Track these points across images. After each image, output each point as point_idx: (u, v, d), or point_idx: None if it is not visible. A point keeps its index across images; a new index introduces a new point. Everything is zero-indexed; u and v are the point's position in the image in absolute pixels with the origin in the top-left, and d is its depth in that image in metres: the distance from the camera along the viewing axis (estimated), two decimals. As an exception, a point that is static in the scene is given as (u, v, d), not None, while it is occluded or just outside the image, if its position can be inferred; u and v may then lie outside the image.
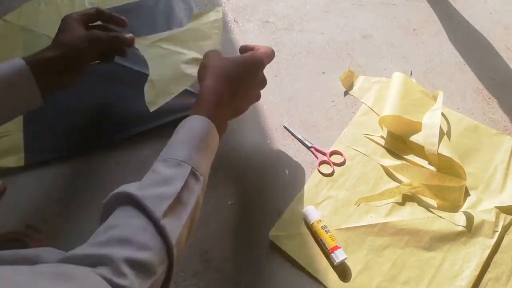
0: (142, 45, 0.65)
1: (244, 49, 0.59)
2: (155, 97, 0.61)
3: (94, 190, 0.61)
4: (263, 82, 0.59)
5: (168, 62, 0.64)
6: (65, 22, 0.59)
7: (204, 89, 0.51)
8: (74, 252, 0.36)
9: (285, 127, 0.67)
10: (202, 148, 0.46)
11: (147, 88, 0.62)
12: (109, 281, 0.33)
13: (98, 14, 0.63)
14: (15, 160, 0.63)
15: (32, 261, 0.45)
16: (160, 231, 0.38)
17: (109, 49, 0.63)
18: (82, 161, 0.64)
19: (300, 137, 0.66)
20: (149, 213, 0.39)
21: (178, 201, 0.41)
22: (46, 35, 0.80)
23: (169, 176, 0.42)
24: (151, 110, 0.60)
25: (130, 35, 0.63)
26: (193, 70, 0.61)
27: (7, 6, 0.86)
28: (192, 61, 0.63)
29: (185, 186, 0.42)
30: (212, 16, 0.68)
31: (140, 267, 0.36)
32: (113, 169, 0.63)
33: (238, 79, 0.53)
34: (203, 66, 0.54)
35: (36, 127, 0.66)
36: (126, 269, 0.34)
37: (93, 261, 0.35)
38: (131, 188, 0.41)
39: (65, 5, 0.86)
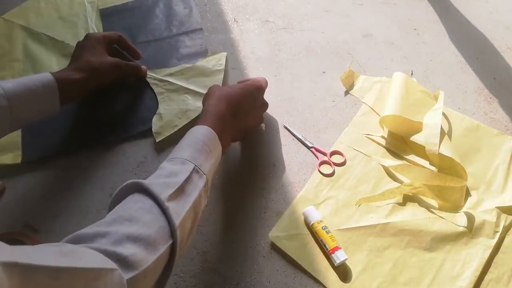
0: (152, 79, 0.73)
1: (240, 82, 0.64)
2: (162, 129, 0.66)
3: (93, 190, 0.61)
4: (263, 105, 0.64)
5: (176, 98, 0.70)
6: (92, 43, 0.66)
7: (207, 107, 0.56)
8: (80, 232, 0.38)
9: (285, 127, 0.67)
10: (205, 151, 0.50)
11: (155, 120, 0.67)
12: (103, 251, 0.35)
13: (119, 40, 0.71)
14: (12, 157, 0.63)
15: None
16: (164, 212, 0.41)
17: (125, 75, 0.71)
18: (80, 161, 0.64)
19: (300, 137, 0.65)
20: (154, 196, 0.41)
21: (181, 190, 0.44)
22: (45, 34, 0.80)
23: (174, 170, 0.46)
24: (157, 141, 0.65)
25: (144, 67, 0.72)
26: (197, 105, 0.68)
27: (6, 4, 0.85)
28: (196, 96, 0.70)
29: (188, 179, 0.45)
30: (217, 57, 0.76)
31: (144, 243, 0.38)
32: (111, 169, 0.63)
33: (238, 101, 0.57)
34: (207, 94, 0.58)
35: (33, 124, 0.66)
36: (128, 244, 0.37)
37: (96, 238, 0.37)
38: (138, 180, 0.44)
39: (64, 4, 0.86)
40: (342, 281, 0.52)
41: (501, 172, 0.61)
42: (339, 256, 0.52)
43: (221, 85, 0.67)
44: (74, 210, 0.59)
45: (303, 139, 0.65)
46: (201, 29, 0.81)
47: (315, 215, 0.55)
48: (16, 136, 0.65)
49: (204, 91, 0.66)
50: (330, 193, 0.60)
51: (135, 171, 0.63)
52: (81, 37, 0.68)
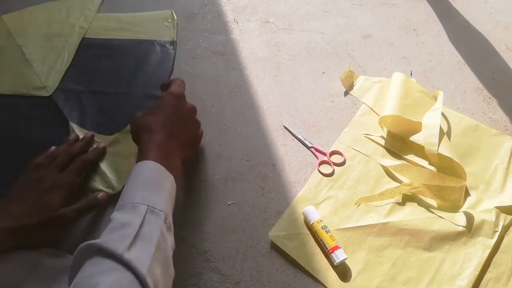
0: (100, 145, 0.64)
1: (161, 87, 0.62)
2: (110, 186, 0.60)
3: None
4: (190, 110, 0.59)
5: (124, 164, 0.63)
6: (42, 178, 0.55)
7: (141, 141, 0.52)
8: None
9: (285, 127, 0.67)
10: (155, 186, 0.47)
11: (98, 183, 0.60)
12: None
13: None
14: None
15: (32, 262, 0.45)
16: (128, 266, 0.38)
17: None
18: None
19: (300, 137, 0.66)
20: (112, 254, 0.38)
21: (139, 237, 0.41)
22: (21, 49, 0.79)
23: (126, 219, 0.42)
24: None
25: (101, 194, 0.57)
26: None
27: (6, 6, 0.86)
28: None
29: (143, 223, 0.42)
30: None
31: None
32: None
33: (166, 120, 0.54)
34: (133, 130, 0.55)
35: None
36: None
37: None
38: (92, 241, 0.40)
39: (59, 21, 0.85)
40: (341, 280, 0.52)
41: (500, 172, 0.61)
42: (339, 256, 0.52)
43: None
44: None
45: (303, 139, 0.65)
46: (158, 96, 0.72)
47: (314, 214, 0.56)
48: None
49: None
50: (329, 193, 0.60)
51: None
52: (48, 65, 0.66)
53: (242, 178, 0.62)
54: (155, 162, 0.48)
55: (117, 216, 0.43)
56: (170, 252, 0.44)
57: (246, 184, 0.61)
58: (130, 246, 0.39)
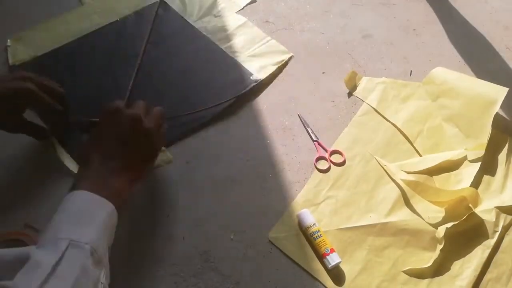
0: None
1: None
2: None
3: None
4: (133, 119, 0.50)
5: None
6: None
7: (78, 169, 0.50)
8: None
9: (298, 115, 0.68)
10: (84, 218, 0.43)
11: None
12: None
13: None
14: None
15: (24, 260, 0.45)
16: None
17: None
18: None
19: (309, 129, 0.66)
20: None
21: (54, 276, 0.37)
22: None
23: (42, 257, 0.39)
24: None
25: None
26: None
27: (6, 6, 0.85)
28: None
29: (62, 259, 0.38)
30: None
31: None
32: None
33: (100, 138, 0.50)
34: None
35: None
36: None
37: None
38: (2, 282, 0.37)
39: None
40: (341, 280, 0.52)
41: (500, 172, 0.61)
42: (330, 261, 0.52)
43: None
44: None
45: (310, 131, 0.66)
46: None
47: (307, 219, 0.55)
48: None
49: None
50: (329, 193, 0.60)
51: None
52: None
53: (242, 178, 0.62)
54: (86, 192, 0.44)
55: (35, 253, 0.39)
56: (99, 286, 0.40)
57: (246, 184, 0.61)
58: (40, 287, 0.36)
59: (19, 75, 0.55)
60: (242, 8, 0.84)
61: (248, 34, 0.79)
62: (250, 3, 0.85)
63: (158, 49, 0.76)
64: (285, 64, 0.75)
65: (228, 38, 0.78)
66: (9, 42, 0.75)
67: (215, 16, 0.82)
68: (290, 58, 0.76)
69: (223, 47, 0.76)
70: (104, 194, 0.45)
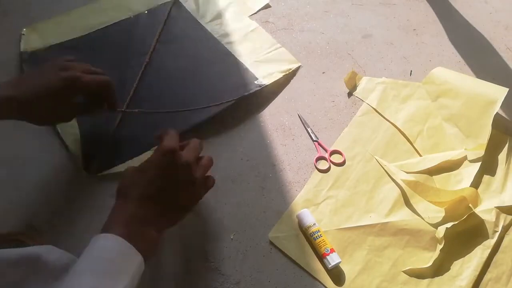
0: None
1: (155, 138, 0.52)
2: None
3: (96, 191, 0.61)
4: (185, 166, 0.48)
5: None
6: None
7: (113, 208, 0.45)
8: None
9: (298, 115, 0.68)
10: (113, 273, 0.40)
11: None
12: None
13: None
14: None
15: (32, 261, 0.45)
16: None
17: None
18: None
19: (309, 129, 0.66)
20: None
21: None
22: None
23: None
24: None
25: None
26: None
27: (7, 6, 0.85)
28: None
29: None
30: None
31: None
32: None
33: (147, 181, 0.46)
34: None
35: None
36: None
37: None
38: None
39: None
40: (341, 280, 0.52)
41: (500, 172, 0.61)
42: (331, 261, 0.52)
43: None
44: (77, 210, 0.59)
45: (310, 131, 0.66)
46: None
47: (307, 219, 0.55)
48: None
49: None
50: (329, 192, 0.60)
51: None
52: None
53: (242, 178, 0.62)
54: (118, 238, 0.40)
55: None
56: None
57: (246, 184, 0.61)
58: None
59: (58, 65, 0.54)
60: (256, 12, 0.84)
61: (258, 40, 0.78)
62: (263, 8, 0.85)
63: (168, 47, 0.76)
64: (292, 74, 0.74)
65: (238, 41, 0.78)
66: (24, 31, 0.76)
67: (227, 19, 0.81)
68: (298, 68, 0.75)
69: (232, 50, 0.76)
70: (137, 245, 0.41)
